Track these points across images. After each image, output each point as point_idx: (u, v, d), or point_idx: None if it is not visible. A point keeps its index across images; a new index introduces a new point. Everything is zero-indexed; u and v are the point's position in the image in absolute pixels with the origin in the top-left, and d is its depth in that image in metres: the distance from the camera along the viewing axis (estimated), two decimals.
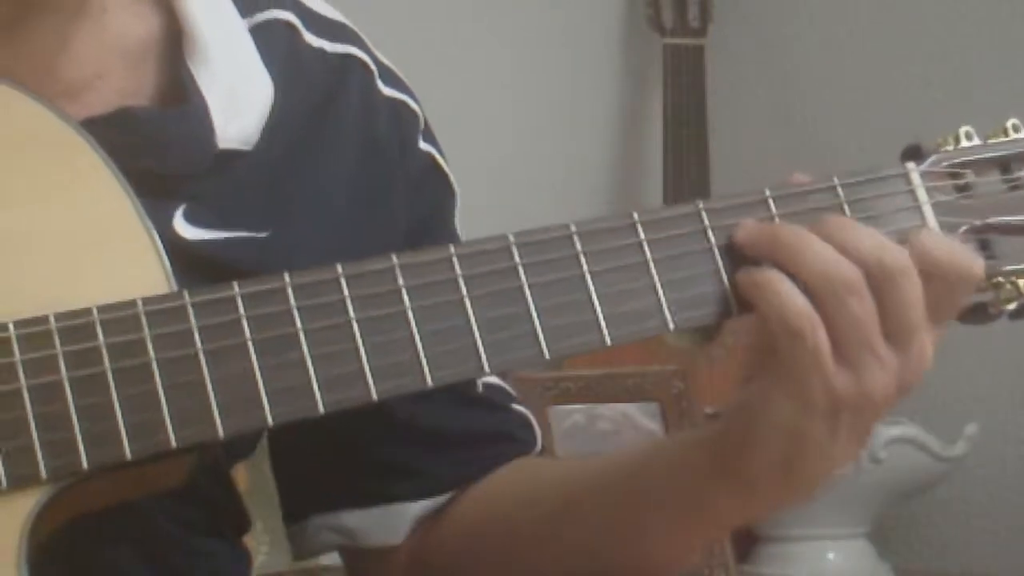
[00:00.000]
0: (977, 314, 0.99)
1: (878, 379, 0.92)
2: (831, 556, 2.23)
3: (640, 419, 2.15)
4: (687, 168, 2.54)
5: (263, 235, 1.04)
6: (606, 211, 2.69)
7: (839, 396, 0.92)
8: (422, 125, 1.15)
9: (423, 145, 1.14)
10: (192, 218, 1.01)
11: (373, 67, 1.13)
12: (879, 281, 0.92)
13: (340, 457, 1.10)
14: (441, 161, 1.15)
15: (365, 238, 1.06)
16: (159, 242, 0.91)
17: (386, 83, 1.13)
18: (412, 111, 1.14)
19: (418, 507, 1.11)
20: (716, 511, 1.00)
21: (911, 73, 2.50)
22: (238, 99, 1.05)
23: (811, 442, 0.93)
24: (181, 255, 0.96)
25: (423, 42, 2.43)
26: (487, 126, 2.56)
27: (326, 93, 1.10)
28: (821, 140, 2.60)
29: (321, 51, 1.11)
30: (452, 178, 1.16)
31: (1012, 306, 0.98)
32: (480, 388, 1.13)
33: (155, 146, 1.01)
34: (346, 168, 1.09)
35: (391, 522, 1.11)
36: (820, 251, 0.92)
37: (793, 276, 0.93)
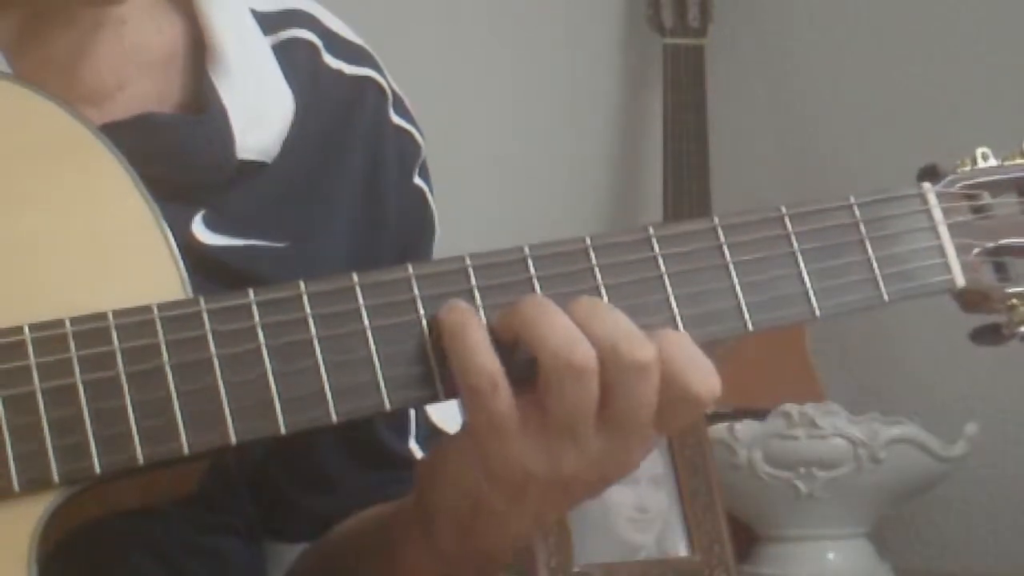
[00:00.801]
0: (990, 335, 0.99)
1: (573, 464, 0.88)
2: (831, 556, 2.23)
3: None
4: (687, 168, 2.55)
5: (281, 246, 1.05)
6: (606, 211, 2.69)
7: (526, 470, 0.88)
8: (421, 159, 1.16)
9: (417, 180, 1.15)
10: (211, 224, 1.02)
11: (388, 92, 1.14)
12: (612, 371, 0.86)
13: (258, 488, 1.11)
14: (430, 199, 1.16)
15: (365, 259, 1.07)
16: (175, 247, 0.91)
17: (397, 111, 1.14)
18: (416, 144, 1.15)
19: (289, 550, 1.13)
20: (414, 570, 0.97)
21: (911, 73, 2.50)
22: (259, 111, 1.05)
23: (487, 510, 0.90)
24: (198, 260, 0.97)
25: (423, 42, 2.43)
26: (487, 126, 2.56)
27: (342, 114, 1.11)
28: (821, 140, 2.60)
29: (339, 72, 1.12)
30: (436, 218, 1.17)
31: None
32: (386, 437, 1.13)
33: (174, 152, 1.02)
34: (356, 187, 1.10)
35: (277, 557, 1.13)
36: (558, 328, 0.87)
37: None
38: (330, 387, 0.89)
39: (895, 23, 2.53)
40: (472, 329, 0.88)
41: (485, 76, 2.57)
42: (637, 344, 0.87)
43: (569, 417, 0.87)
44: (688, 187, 2.54)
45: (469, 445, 0.89)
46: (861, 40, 2.58)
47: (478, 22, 2.58)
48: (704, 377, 0.88)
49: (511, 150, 2.58)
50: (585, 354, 0.86)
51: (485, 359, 0.87)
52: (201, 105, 1.04)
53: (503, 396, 0.87)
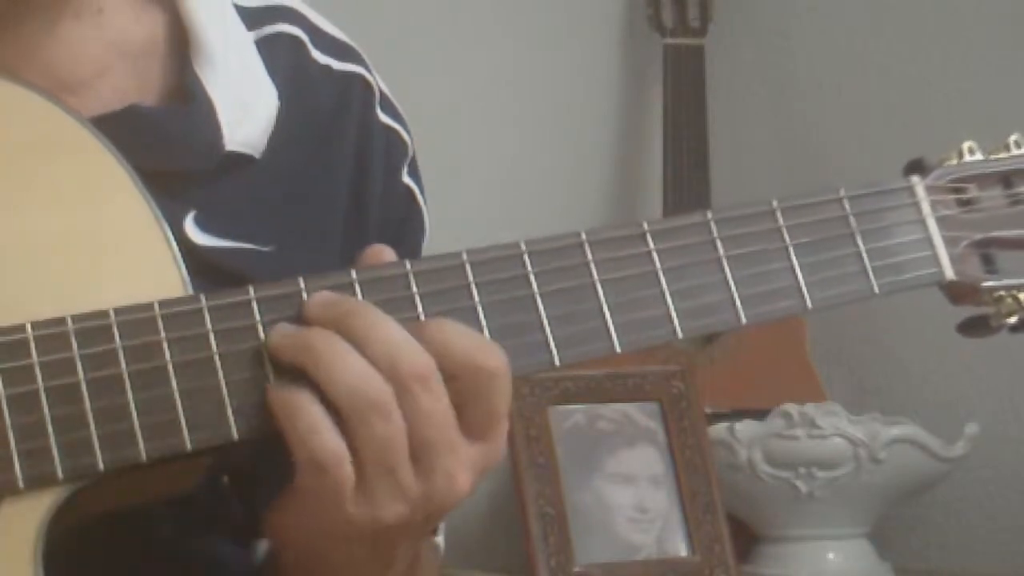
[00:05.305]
0: (978, 327, 1.00)
1: (394, 510, 0.88)
2: (831, 556, 2.23)
3: (640, 419, 2.15)
4: (687, 168, 2.55)
5: (268, 249, 1.05)
6: (606, 211, 2.69)
7: (356, 526, 0.88)
8: (409, 157, 1.15)
9: (406, 178, 1.15)
10: (202, 224, 1.02)
11: (376, 90, 1.14)
12: (398, 392, 0.86)
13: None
14: (419, 197, 1.16)
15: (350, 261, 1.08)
16: (175, 245, 0.92)
17: (384, 110, 1.14)
18: (403, 141, 1.15)
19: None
20: None
21: (911, 74, 2.50)
22: (245, 104, 1.05)
23: (328, 566, 0.92)
24: (191, 260, 0.97)
25: (423, 42, 2.43)
26: (487, 126, 2.56)
27: (331, 110, 1.11)
28: (821, 141, 2.60)
29: (328, 68, 1.12)
30: (426, 217, 1.16)
31: (1013, 320, 1.00)
32: None
33: (162, 144, 1.01)
34: (343, 188, 1.10)
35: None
36: (349, 365, 0.86)
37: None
38: None
39: (895, 23, 2.54)
40: (306, 407, 0.87)
41: (485, 75, 2.58)
42: (407, 355, 0.87)
43: (384, 458, 0.87)
44: (688, 187, 2.54)
45: (303, 509, 0.90)
46: (861, 40, 2.58)
47: (478, 22, 2.58)
48: (483, 356, 0.88)
49: (511, 149, 2.59)
50: (379, 387, 0.86)
51: (332, 438, 0.87)
52: (186, 96, 1.04)
53: (346, 466, 0.87)
